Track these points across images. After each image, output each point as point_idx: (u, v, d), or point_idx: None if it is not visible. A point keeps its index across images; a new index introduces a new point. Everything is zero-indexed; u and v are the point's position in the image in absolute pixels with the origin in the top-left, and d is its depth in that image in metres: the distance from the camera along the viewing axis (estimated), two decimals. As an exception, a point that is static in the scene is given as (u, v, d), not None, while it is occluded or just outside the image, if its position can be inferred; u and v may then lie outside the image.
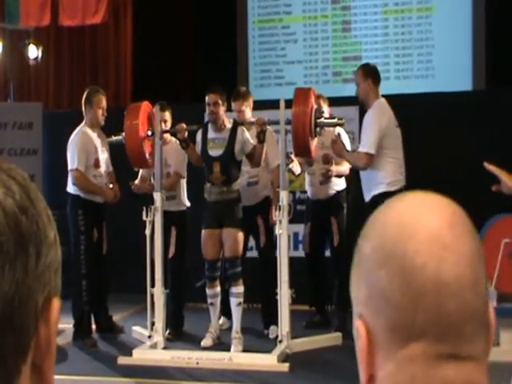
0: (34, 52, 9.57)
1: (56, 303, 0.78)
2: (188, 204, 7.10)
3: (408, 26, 9.87)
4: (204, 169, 6.59)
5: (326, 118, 6.34)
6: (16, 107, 9.33)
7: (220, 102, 6.46)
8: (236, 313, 6.42)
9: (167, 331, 6.74)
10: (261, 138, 6.36)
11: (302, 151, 6.32)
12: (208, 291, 6.54)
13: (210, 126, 6.61)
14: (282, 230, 6.13)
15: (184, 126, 6.57)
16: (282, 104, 6.34)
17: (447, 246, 0.87)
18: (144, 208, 6.45)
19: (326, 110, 6.61)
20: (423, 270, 0.86)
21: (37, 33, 9.97)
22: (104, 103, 6.80)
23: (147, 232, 6.46)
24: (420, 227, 0.88)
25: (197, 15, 10.50)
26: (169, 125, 6.97)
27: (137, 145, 6.54)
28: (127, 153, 6.58)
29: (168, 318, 6.83)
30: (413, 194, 0.95)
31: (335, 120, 6.37)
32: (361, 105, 6.88)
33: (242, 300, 6.42)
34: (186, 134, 6.58)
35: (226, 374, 5.83)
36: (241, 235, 6.48)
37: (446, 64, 9.59)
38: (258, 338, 6.73)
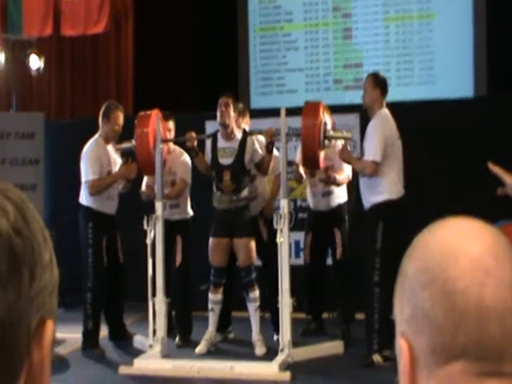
0: (36, 62, 9.59)
1: (50, 326, 0.77)
2: (191, 213, 7.11)
3: (409, 32, 9.88)
4: (213, 177, 6.68)
5: (334, 131, 6.39)
6: (18, 117, 9.35)
7: (231, 105, 6.51)
8: (255, 317, 6.55)
9: (176, 338, 6.84)
10: (269, 148, 6.47)
11: (311, 163, 6.43)
12: (211, 296, 6.61)
13: (219, 135, 6.68)
14: (283, 239, 6.13)
15: (194, 134, 6.63)
16: (283, 112, 6.35)
17: (489, 271, 0.89)
18: (145, 217, 6.46)
19: (329, 120, 6.66)
20: (465, 294, 0.88)
21: (39, 43, 10.00)
22: (121, 120, 6.81)
23: (148, 241, 6.47)
24: (462, 253, 0.91)
25: (198, 23, 10.52)
26: (172, 134, 7.02)
27: (147, 152, 6.60)
28: (137, 160, 6.64)
29: (176, 326, 6.95)
30: (455, 220, 0.97)
31: (343, 133, 6.43)
32: (362, 113, 6.89)
33: (259, 303, 6.53)
34: (196, 143, 6.63)
35: (227, 383, 5.82)
36: (252, 242, 6.60)
37: (447, 70, 9.59)
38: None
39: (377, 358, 5.91)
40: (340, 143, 6.76)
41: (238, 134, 6.66)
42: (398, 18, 9.91)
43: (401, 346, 0.93)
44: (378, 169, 6.03)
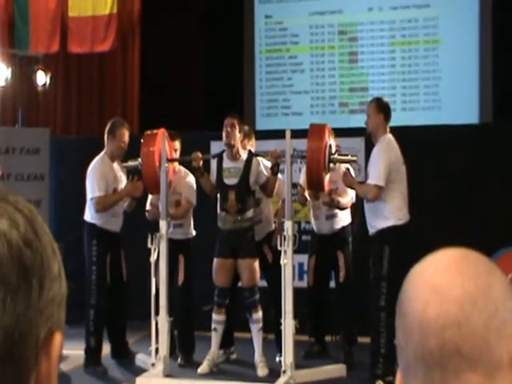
0: (42, 78, 9.62)
1: (58, 337, 0.78)
2: (194, 233, 7.12)
3: (415, 57, 9.92)
4: (218, 197, 6.71)
5: (339, 154, 6.39)
6: (24, 132, 9.37)
7: (237, 126, 6.53)
8: (257, 338, 6.54)
9: (179, 358, 6.85)
10: (275, 170, 6.47)
11: (316, 186, 6.43)
12: (214, 316, 6.60)
13: (225, 155, 6.70)
14: (287, 261, 6.13)
15: (199, 154, 6.64)
16: (288, 134, 6.36)
17: (436, 289, 0.91)
18: (149, 235, 6.46)
19: (333, 143, 6.66)
20: (412, 313, 0.92)
21: (46, 59, 10.03)
22: (127, 137, 6.84)
23: (152, 259, 6.46)
24: (419, 277, 0.95)
25: (204, 44, 10.57)
26: (178, 154, 7.03)
27: (153, 171, 6.60)
28: (143, 179, 6.65)
29: (179, 345, 6.96)
30: (442, 252, 0.98)
31: (348, 157, 6.42)
32: (367, 137, 6.91)
33: (262, 325, 6.52)
34: (201, 162, 6.64)
35: (229, 404, 5.81)
36: (256, 263, 6.60)
37: (453, 96, 9.62)
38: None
39: (380, 383, 5.89)
40: (344, 167, 6.78)
41: (244, 155, 6.67)
42: (404, 43, 9.97)
43: (397, 376, 0.96)
44: (383, 194, 6.03)
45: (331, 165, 6.31)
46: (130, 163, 6.79)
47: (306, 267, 7.48)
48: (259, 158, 6.74)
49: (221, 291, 6.60)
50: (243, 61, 10.60)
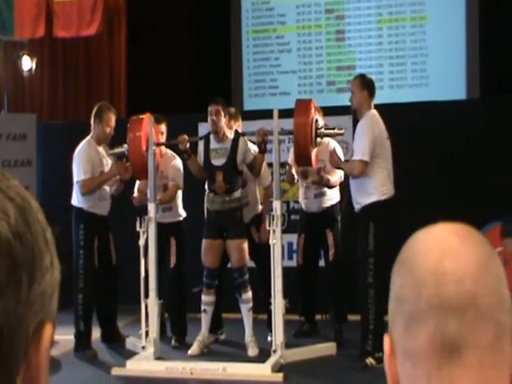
0: (28, 63, 9.58)
1: (48, 329, 0.76)
2: (184, 215, 7.11)
3: (402, 35, 9.90)
4: (206, 179, 6.68)
5: (326, 129, 6.38)
6: (10, 118, 9.32)
7: (222, 112, 6.50)
8: (247, 318, 6.55)
9: (172, 340, 6.89)
10: (262, 148, 6.43)
11: (304, 161, 6.40)
12: (204, 298, 6.61)
13: (211, 136, 6.66)
14: (276, 240, 6.13)
15: (186, 137, 6.62)
16: (276, 114, 6.36)
17: (452, 247, 0.93)
18: (138, 218, 6.45)
19: (321, 120, 6.61)
20: (425, 264, 0.92)
21: (31, 44, 9.98)
22: (113, 122, 6.80)
23: (141, 243, 6.46)
24: (429, 237, 0.96)
25: (191, 25, 10.52)
26: (165, 137, 7.01)
27: (140, 156, 6.59)
28: (130, 164, 6.64)
29: (171, 328, 7.02)
30: (439, 225, 1.00)
31: (335, 130, 6.41)
32: (354, 114, 6.90)
33: (251, 305, 6.53)
34: (188, 145, 6.61)
35: (220, 385, 5.82)
36: (245, 244, 6.60)
37: (440, 73, 9.61)
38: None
39: (370, 360, 5.90)
40: (332, 144, 6.78)
41: (230, 135, 6.65)
42: (391, 21, 9.93)
43: (384, 339, 0.96)
44: (367, 169, 6.03)
45: (318, 139, 6.30)
46: (117, 150, 6.77)
47: (295, 247, 7.48)
48: (246, 139, 6.72)
49: (209, 272, 6.60)
50: (230, 42, 10.56)
